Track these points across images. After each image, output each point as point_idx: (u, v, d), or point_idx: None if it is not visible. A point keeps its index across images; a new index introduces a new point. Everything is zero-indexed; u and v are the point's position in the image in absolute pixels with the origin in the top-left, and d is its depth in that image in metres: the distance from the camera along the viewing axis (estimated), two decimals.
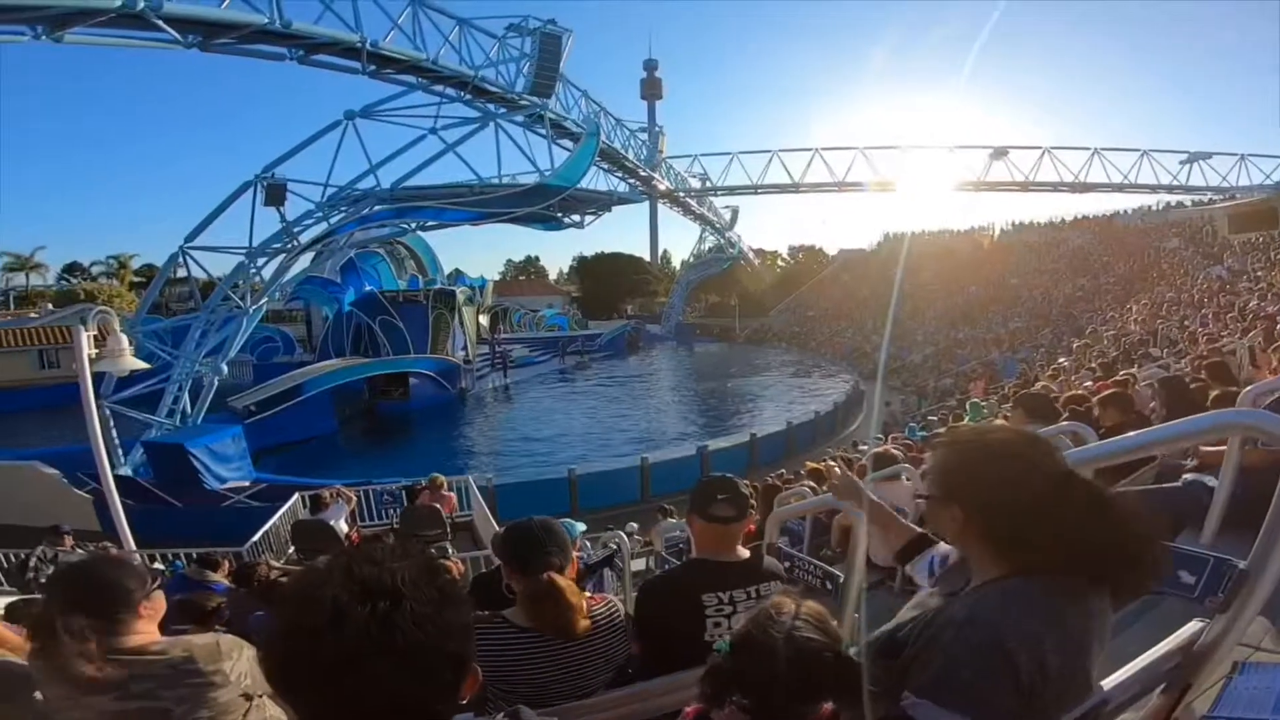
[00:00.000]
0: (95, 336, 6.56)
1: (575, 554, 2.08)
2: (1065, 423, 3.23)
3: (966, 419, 10.20)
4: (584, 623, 1.71)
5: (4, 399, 27.05)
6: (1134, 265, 29.93)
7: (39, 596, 3.44)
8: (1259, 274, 17.18)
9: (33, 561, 6.30)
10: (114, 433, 14.22)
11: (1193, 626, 1.30)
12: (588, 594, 1.89)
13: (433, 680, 0.76)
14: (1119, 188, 37.11)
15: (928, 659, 1.02)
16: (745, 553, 1.97)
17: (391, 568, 0.77)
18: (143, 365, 7.61)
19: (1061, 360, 14.71)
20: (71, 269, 50.31)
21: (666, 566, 5.51)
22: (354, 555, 0.79)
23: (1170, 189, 37.30)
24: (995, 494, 1.05)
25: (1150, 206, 37.52)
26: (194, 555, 6.28)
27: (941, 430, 8.87)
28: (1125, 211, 38.75)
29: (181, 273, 17.53)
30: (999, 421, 6.26)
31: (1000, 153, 38.29)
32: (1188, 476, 2.64)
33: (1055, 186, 37.81)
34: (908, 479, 4.36)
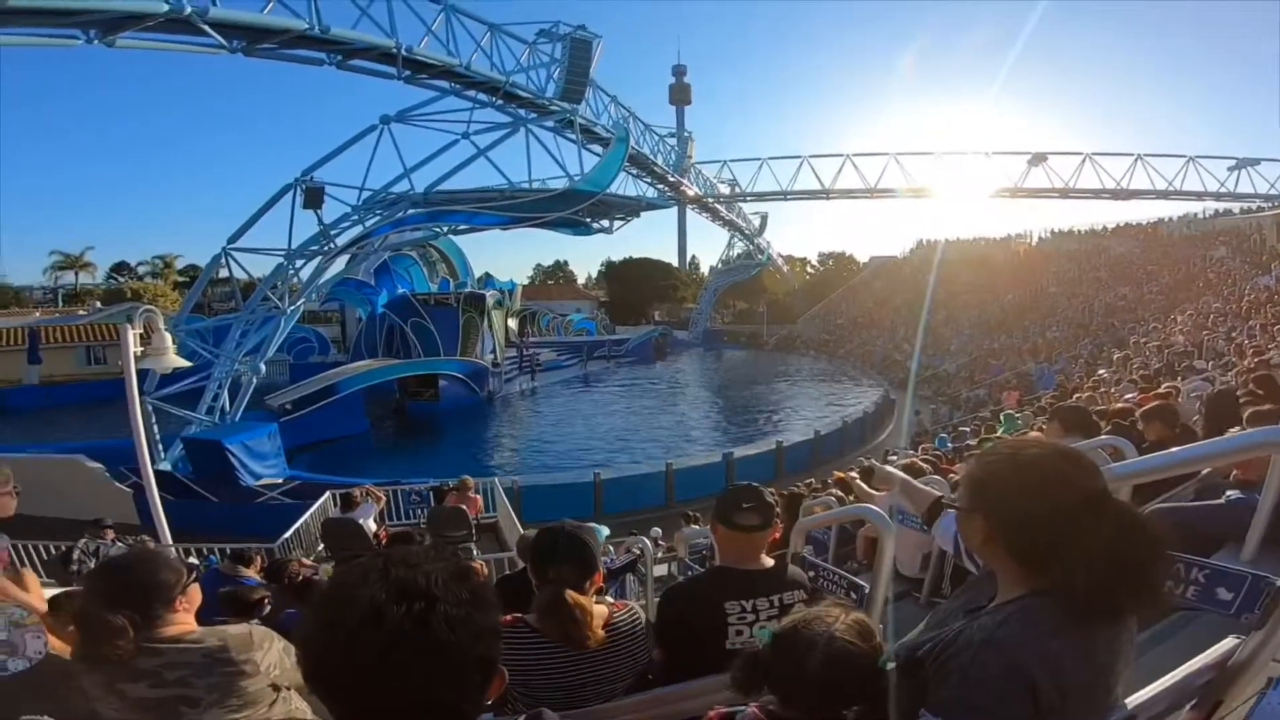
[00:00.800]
0: (141, 334, 6.79)
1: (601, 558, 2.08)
2: (1104, 436, 3.14)
3: (1000, 431, 9.97)
4: (596, 635, 1.72)
5: (52, 393, 28.12)
6: (1179, 274, 28.98)
7: (80, 589, 3.57)
8: None
9: (75, 554, 6.52)
10: (155, 428, 14.68)
11: (1228, 643, 1.26)
12: (610, 600, 1.91)
13: (462, 680, 0.78)
14: (1163, 195, 36.05)
15: (944, 678, 1.03)
16: (769, 561, 1.97)
17: (426, 570, 0.80)
18: (185, 363, 7.83)
19: (1101, 372, 14.30)
20: (119, 268, 52.07)
21: (690, 573, 5.49)
22: (390, 557, 0.82)
23: (1217, 196, 36.17)
24: (1019, 508, 1.04)
25: (1196, 214, 36.34)
26: (228, 550, 6.43)
27: (972, 442, 8.71)
28: (1170, 219, 37.58)
29: (224, 273, 18.10)
30: (1034, 434, 6.12)
31: (1039, 159, 37.49)
32: (1231, 493, 2.55)
33: (1096, 193, 36.92)
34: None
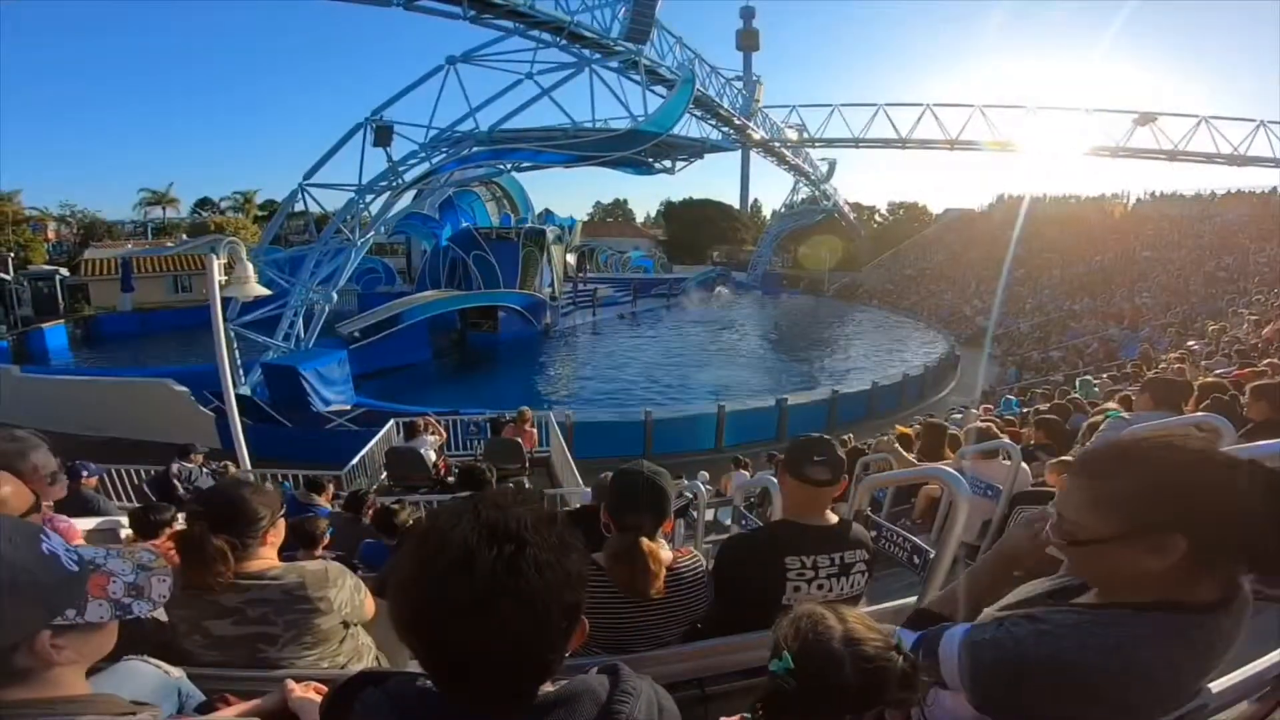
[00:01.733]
0: (224, 264, 7.12)
1: None
2: (1199, 413, 2.92)
3: (1074, 394, 9.49)
4: (658, 585, 1.68)
5: (144, 319, 30.04)
6: None
7: (159, 505, 3.77)
8: None
9: (174, 481, 6.91)
10: (237, 354, 15.49)
11: None
12: (675, 548, 1.90)
13: (549, 627, 0.77)
14: None
15: (999, 630, 1.01)
16: (834, 518, 1.92)
17: (516, 513, 0.79)
18: (265, 291, 8.16)
19: (1191, 343, 13.35)
20: (202, 203, 54.23)
21: (744, 522, 5.52)
22: (480, 499, 0.82)
23: None
24: (1222, 512, 0.89)
25: None
26: (301, 478, 6.63)
27: (1043, 407, 8.31)
28: None
29: (299, 207, 18.78)
30: (1113, 405, 5.81)
31: (1147, 119, 33.70)
32: None
33: (1209, 158, 33.29)
34: (1006, 458, 4.13)
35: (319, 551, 3.16)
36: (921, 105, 37.62)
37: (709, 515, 8.26)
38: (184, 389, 14.02)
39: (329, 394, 15.27)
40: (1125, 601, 0.96)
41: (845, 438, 10.62)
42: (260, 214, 50.41)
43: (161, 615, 1.76)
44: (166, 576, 1.05)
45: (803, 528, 1.87)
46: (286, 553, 2.90)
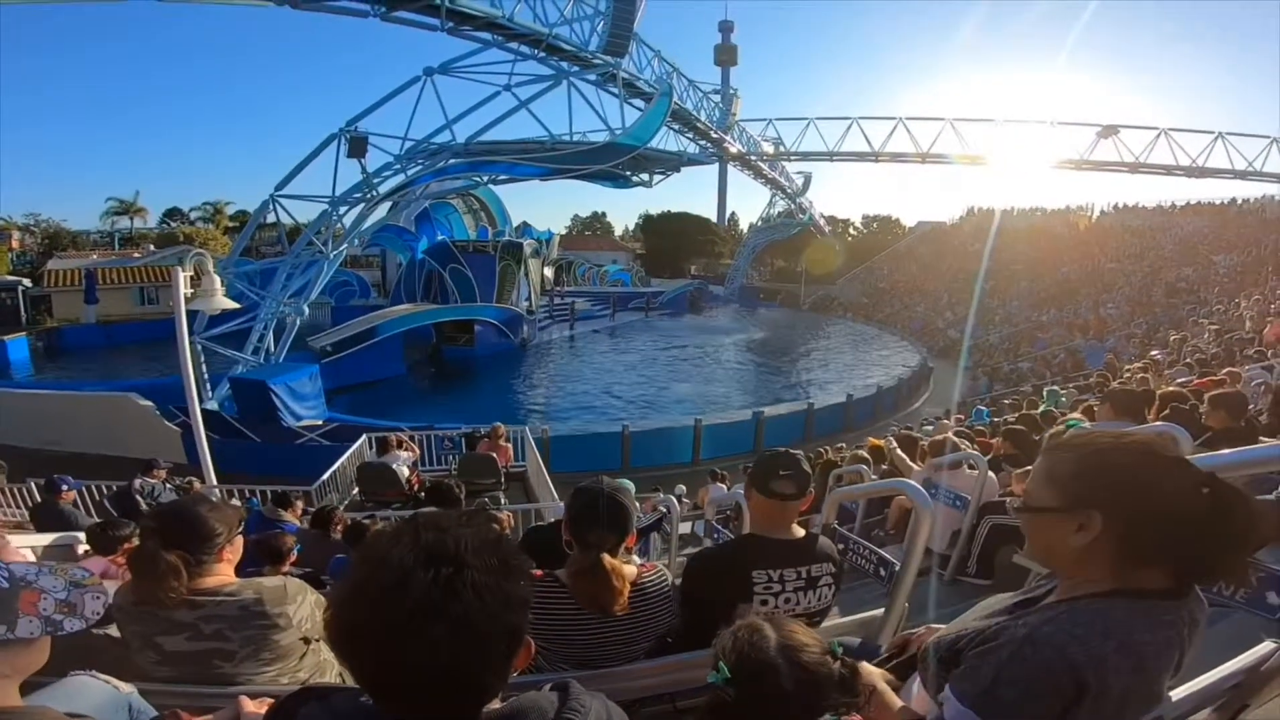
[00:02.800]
0: (191, 276, 6.99)
1: None
2: (1158, 423, 2.99)
3: (1043, 406, 9.69)
4: (624, 603, 1.68)
5: (108, 332, 29.28)
6: (1249, 257, 27.44)
7: (118, 520, 3.73)
8: None
9: (136, 497, 6.75)
10: (204, 368, 15.15)
11: (1265, 647, 1.23)
12: (639, 562, 1.89)
13: (487, 650, 0.76)
14: (1241, 174, 33.58)
15: (976, 668, 1.00)
16: (800, 531, 1.93)
17: (456, 534, 0.78)
18: (233, 304, 8.03)
19: (1155, 353, 13.72)
20: (172, 214, 53.23)
21: (716, 535, 5.52)
22: (422, 520, 0.81)
23: None
24: (1154, 503, 0.95)
25: (1275, 196, 34.04)
26: (269, 494, 6.56)
27: (1011, 418, 8.47)
28: (1245, 200, 35.39)
29: (271, 219, 18.51)
30: (1076, 415, 5.93)
31: (1110, 131, 34.90)
32: None
33: (1169, 169, 34.45)
34: (970, 467, 4.19)
35: (285, 568, 3.13)
36: (894, 119, 38.54)
37: (685, 528, 8.24)
38: (148, 403, 13.67)
39: (300, 409, 14.99)
40: (1090, 593, 0.99)
41: (839, 446, 10.76)
42: (231, 225, 49.58)
43: (114, 631, 1.78)
44: (101, 594, 1.04)
45: (769, 541, 1.88)
46: (252, 569, 2.84)
